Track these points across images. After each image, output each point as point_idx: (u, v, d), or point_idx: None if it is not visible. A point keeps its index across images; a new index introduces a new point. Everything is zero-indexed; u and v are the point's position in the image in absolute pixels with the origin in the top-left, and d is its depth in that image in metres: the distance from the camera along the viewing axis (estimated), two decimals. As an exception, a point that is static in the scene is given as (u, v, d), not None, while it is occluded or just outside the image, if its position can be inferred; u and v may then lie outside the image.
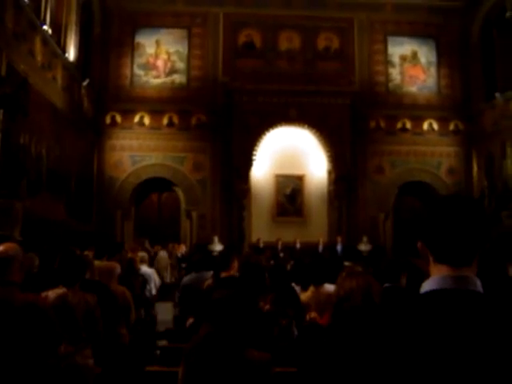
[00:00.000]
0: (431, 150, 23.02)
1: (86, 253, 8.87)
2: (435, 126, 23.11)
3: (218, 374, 2.89)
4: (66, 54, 17.98)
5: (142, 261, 10.53)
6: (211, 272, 7.68)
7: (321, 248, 20.90)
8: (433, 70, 23.89)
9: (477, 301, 1.55)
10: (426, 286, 1.62)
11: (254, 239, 21.47)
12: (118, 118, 22.00)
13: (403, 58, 23.78)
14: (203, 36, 22.95)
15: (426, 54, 23.92)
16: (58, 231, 15.06)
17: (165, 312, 11.57)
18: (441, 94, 23.66)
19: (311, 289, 5.58)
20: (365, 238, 20.99)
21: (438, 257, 1.62)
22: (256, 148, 21.57)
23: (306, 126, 21.85)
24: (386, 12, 23.52)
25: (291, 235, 21.34)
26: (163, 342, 7.26)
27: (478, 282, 1.60)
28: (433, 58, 23.94)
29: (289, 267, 11.25)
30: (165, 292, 12.48)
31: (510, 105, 20.65)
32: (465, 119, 23.21)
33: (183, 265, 17.52)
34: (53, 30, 16.37)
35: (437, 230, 1.63)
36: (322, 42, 23.42)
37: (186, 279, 8.19)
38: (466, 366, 1.42)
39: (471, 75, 23.42)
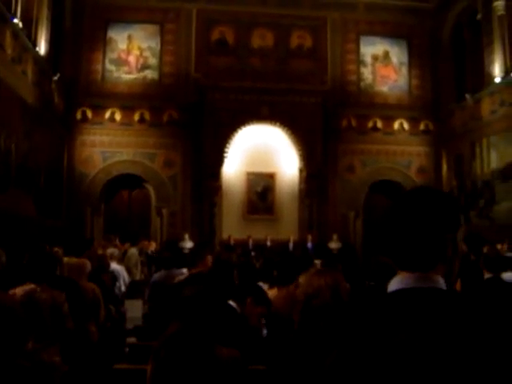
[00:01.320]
0: (402, 150, 23.22)
1: (55, 249, 8.78)
2: (406, 125, 23.31)
3: (186, 372, 2.88)
4: (37, 48, 17.74)
5: (112, 258, 10.46)
6: (181, 269, 7.67)
7: (291, 246, 20.96)
8: (404, 70, 24.08)
9: (439, 297, 1.57)
10: (393, 285, 1.63)
11: (224, 236, 21.45)
12: (89, 114, 21.80)
13: (375, 58, 23.93)
14: (176, 32, 22.84)
15: (397, 54, 24.10)
16: (27, 227, 14.90)
17: (134, 309, 11.49)
18: (412, 94, 23.86)
19: (280, 287, 5.58)
20: (335, 236, 21.09)
21: (399, 265, 1.66)
22: (227, 145, 21.55)
23: (278, 124, 21.88)
24: (358, 11, 23.64)
25: (262, 233, 21.37)
26: (132, 340, 7.22)
27: (441, 281, 1.62)
28: (404, 58, 24.13)
29: (258, 265, 11.26)
30: (135, 289, 12.39)
31: (479, 106, 20.89)
32: (435, 119, 23.45)
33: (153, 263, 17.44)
34: (23, 24, 16.13)
35: (395, 238, 1.67)
36: (295, 41, 23.46)
37: (156, 276, 8.18)
38: (430, 359, 1.44)
39: (442, 76, 23.66)
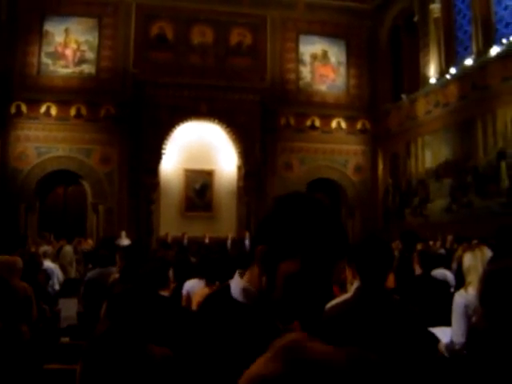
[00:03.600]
0: (339, 148, 23.51)
1: (-14, 247, 8.56)
2: (343, 124, 23.61)
3: (115, 372, 2.84)
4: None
5: (45, 255, 10.26)
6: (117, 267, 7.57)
7: (229, 243, 20.96)
8: (342, 70, 24.36)
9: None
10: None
11: (162, 234, 21.30)
12: (24, 108, 21.29)
13: (314, 57, 24.14)
14: (114, 26, 22.53)
15: (336, 53, 24.37)
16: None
17: (69, 308, 11.29)
18: (349, 93, 24.17)
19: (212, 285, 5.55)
20: (273, 234, 21.15)
21: None
22: (165, 142, 21.42)
23: (217, 121, 21.86)
24: (298, 11, 23.78)
25: (200, 230, 21.30)
26: (66, 339, 7.09)
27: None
28: (342, 57, 24.42)
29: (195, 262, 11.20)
30: (69, 287, 12.18)
31: (415, 106, 21.32)
32: (372, 119, 23.82)
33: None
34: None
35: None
36: (234, 38, 23.46)
37: (90, 274, 8.04)
38: None
39: (379, 76, 24.04)
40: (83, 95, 21.63)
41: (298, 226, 1.45)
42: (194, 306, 5.19)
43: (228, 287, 1.56)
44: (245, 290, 1.49)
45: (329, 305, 3.09)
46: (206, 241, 20.89)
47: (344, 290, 3.84)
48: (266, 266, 1.46)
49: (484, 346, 2.68)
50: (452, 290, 5.98)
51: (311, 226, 1.45)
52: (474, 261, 4.21)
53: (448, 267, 8.89)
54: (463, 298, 4.14)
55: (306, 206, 1.49)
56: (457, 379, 3.82)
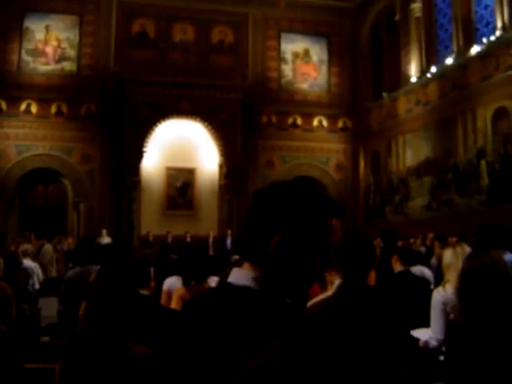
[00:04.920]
0: (320, 147, 23.57)
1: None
2: (325, 122, 23.68)
3: (94, 370, 2.83)
4: None
5: (26, 254, 10.20)
6: (98, 266, 7.54)
7: (211, 241, 20.94)
8: (324, 68, 24.42)
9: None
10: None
11: (143, 232, 21.24)
12: (3, 106, 21.10)
13: (295, 55, 24.18)
14: (95, 24, 22.39)
15: (317, 52, 24.41)
16: None
17: (49, 307, 11.23)
18: (331, 91, 24.23)
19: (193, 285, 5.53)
20: (254, 232, 21.16)
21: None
22: (147, 140, 21.36)
23: (198, 119, 21.84)
24: (280, 9, 23.78)
25: (181, 228, 21.25)
26: (46, 338, 7.05)
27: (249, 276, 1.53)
28: (324, 56, 24.47)
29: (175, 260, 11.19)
30: (50, 286, 12.12)
31: (396, 104, 21.43)
32: (353, 117, 23.90)
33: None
34: None
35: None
36: (216, 36, 23.43)
37: (70, 273, 8.01)
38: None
39: (360, 75, 24.13)
40: (64, 93, 21.48)
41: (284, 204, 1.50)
42: (174, 304, 5.18)
43: (225, 283, 1.55)
44: (257, 279, 1.49)
45: (310, 302, 3.10)
46: (188, 239, 20.87)
47: (325, 289, 3.85)
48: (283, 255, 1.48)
49: (462, 341, 2.71)
50: (432, 287, 6.02)
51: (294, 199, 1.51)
52: (453, 258, 4.23)
53: (427, 264, 8.96)
54: (441, 295, 4.17)
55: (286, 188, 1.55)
56: (436, 375, 3.85)
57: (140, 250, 11.91)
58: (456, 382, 2.72)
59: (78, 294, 6.64)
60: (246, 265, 1.53)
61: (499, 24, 16.54)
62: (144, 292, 4.49)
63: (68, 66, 22.14)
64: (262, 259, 1.49)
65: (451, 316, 3.76)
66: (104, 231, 20.00)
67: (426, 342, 4.20)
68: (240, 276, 1.52)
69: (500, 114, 15.98)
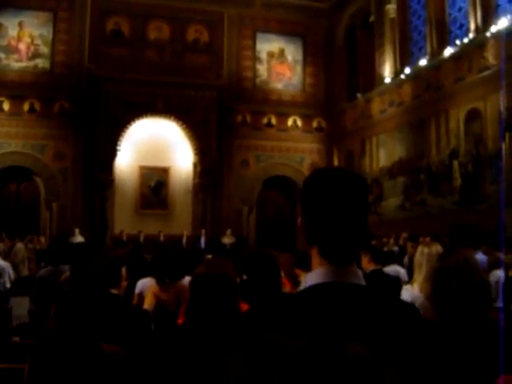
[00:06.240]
0: (295, 146, 23.62)
1: None
2: (299, 122, 23.73)
3: (63, 369, 2.79)
4: None
5: (-4, 253, 10.09)
6: (70, 265, 7.46)
7: (184, 241, 20.88)
8: (299, 68, 24.47)
9: (360, 294, 1.50)
10: (311, 278, 1.53)
11: (117, 231, 21.11)
12: (-25, 103, 20.88)
13: (271, 55, 24.20)
14: (69, 21, 22.19)
15: (292, 51, 24.46)
16: None
17: (21, 306, 11.12)
18: (305, 91, 24.29)
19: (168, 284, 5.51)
20: (228, 231, 21.19)
21: (323, 251, 1.52)
22: (121, 138, 21.26)
23: (173, 117, 21.77)
24: (255, 8, 23.78)
25: (155, 228, 21.17)
26: (16, 338, 6.97)
27: (361, 275, 1.54)
28: (299, 56, 24.52)
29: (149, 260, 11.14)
30: (21, 286, 12.00)
31: (370, 105, 21.55)
32: (327, 117, 24.00)
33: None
34: None
35: (321, 221, 1.52)
36: (191, 34, 23.37)
37: (42, 272, 7.95)
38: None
39: (335, 75, 24.22)
40: (37, 90, 21.26)
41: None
42: (147, 305, 5.15)
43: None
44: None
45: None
46: (162, 238, 20.78)
47: (296, 286, 3.85)
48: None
49: (436, 340, 2.71)
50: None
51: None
52: (424, 257, 4.26)
53: (401, 264, 9.03)
54: (409, 293, 4.20)
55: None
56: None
57: (113, 249, 11.83)
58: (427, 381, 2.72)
59: (49, 293, 6.58)
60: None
61: (472, 26, 16.71)
62: (114, 291, 4.46)
63: (41, 63, 21.92)
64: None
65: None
66: (77, 230, 19.84)
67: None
68: (350, 275, 1.52)
69: (473, 115, 16.14)
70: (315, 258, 1.55)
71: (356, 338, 1.33)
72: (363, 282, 1.53)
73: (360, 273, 1.54)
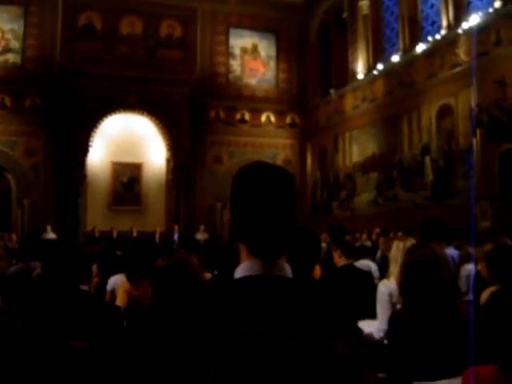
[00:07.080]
0: (268, 142, 23.65)
1: None
2: (273, 118, 23.76)
3: (30, 366, 2.75)
4: None
5: (-35, 250, 9.92)
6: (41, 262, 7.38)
7: (158, 237, 20.79)
8: (272, 64, 24.48)
9: (287, 286, 1.54)
10: (238, 272, 1.57)
11: (89, 228, 20.95)
12: None
13: (244, 51, 24.18)
14: (41, 15, 21.91)
15: (265, 47, 24.46)
16: None
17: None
18: (279, 87, 24.31)
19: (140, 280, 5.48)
20: (202, 227, 21.14)
21: (250, 248, 1.56)
22: (93, 134, 21.08)
23: (146, 113, 21.67)
24: (228, 4, 23.72)
25: (128, 224, 21.06)
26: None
27: (287, 268, 1.57)
28: (272, 52, 24.53)
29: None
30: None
31: (343, 101, 21.65)
32: (301, 113, 24.06)
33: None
34: None
35: (247, 218, 1.56)
36: (164, 30, 23.26)
37: (12, 269, 7.84)
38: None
39: (308, 71, 24.29)
40: (7, 85, 20.97)
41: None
42: (119, 302, 5.10)
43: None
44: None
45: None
46: (134, 235, 20.67)
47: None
48: None
49: (404, 332, 2.73)
50: (376, 281, 6.09)
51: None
52: (400, 252, 4.29)
53: (373, 259, 9.07)
54: (386, 286, 4.24)
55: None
56: (380, 365, 3.88)
57: (85, 245, 11.75)
58: (397, 373, 2.74)
59: (19, 290, 6.50)
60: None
61: (444, 23, 16.85)
62: (85, 288, 4.41)
63: (12, 57, 21.65)
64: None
65: (398, 307, 3.81)
66: (49, 227, 19.63)
67: (370, 334, 4.24)
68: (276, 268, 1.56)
69: (444, 111, 16.28)
70: (243, 253, 1.59)
71: (278, 326, 1.34)
72: (290, 275, 1.57)
73: (287, 266, 1.58)
